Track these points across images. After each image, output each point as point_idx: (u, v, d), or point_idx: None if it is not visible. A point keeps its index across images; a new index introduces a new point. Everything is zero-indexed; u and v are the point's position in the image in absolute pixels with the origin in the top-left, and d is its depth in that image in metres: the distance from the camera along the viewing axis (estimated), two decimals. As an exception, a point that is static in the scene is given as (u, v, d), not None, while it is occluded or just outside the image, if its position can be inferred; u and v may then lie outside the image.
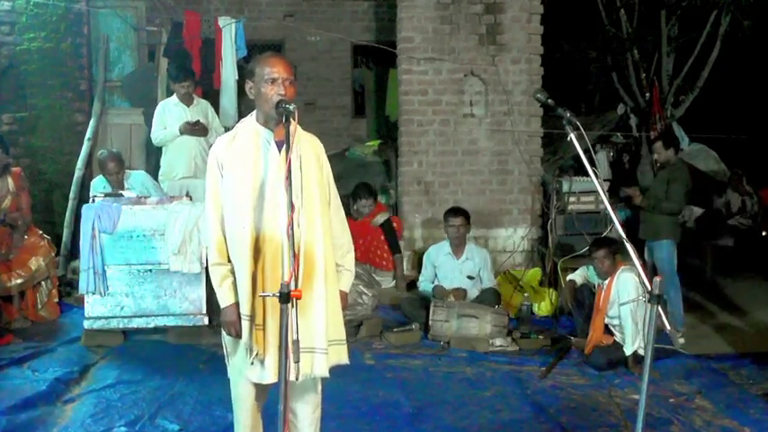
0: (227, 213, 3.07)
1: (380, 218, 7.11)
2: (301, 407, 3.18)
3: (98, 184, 6.41)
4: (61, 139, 7.91)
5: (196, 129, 6.98)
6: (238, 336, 3.06)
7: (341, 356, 3.15)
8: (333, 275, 3.14)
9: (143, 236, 5.57)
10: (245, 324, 3.04)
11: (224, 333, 3.14)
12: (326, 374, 3.08)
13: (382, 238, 7.13)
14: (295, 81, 3.10)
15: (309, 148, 3.14)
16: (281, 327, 2.66)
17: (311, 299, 3.00)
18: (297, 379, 2.92)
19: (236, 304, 3.06)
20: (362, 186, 7.23)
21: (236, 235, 3.03)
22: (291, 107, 2.92)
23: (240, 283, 3.05)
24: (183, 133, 6.90)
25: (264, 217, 3.01)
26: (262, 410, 3.29)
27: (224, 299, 3.10)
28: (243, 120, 3.23)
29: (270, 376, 3.01)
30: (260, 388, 3.15)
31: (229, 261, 3.09)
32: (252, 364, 3.03)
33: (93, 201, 5.76)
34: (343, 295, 3.26)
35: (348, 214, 6.80)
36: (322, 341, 3.02)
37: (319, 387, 3.22)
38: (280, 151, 3.05)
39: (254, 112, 3.17)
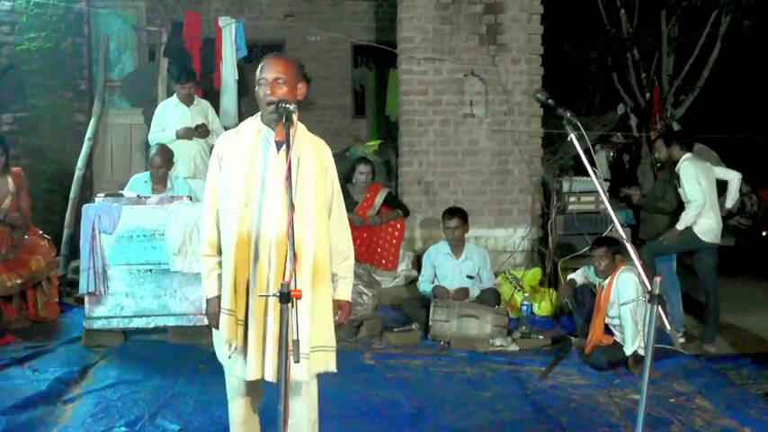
0: (221, 207, 3.11)
1: (380, 198, 7.21)
2: (297, 408, 3.16)
3: (139, 179, 6.38)
4: (61, 139, 7.92)
5: (197, 132, 6.98)
6: (217, 328, 3.14)
7: (328, 364, 3.12)
8: (323, 281, 3.09)
9: (143, 236, 5.57)
10: (224, 318, 3.08)
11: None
12: (305, 379, 3.06)
13: (384, 236, 7.16)
14: (290, 80, 3.06)
15: (312, 150, 3.13)
16: (280, 327, 2.66)
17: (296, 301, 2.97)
18: (274, 380, 2.95)
19: (219, 297, 3.12)
20: (359, 158, 7.60)
21: (226, 229, 3.09)
22: (292, 107, 2.92)
23: (224, 278, 3.10)
24: (181, 137, 6.89)
25: (255, 214, 3.03)
26: (257, 408, 3.29)
27: (208, 290, 3.17)
28: (249, 118, 3.25)
29: (251, 373, 3.03)
30: (250, 384, 3.16)
31: (219, 254, 3.13)
32: (229, 357, 3.09)
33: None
34: (344, 304, 3.22)
35: (347, 196, 6.93)
36: (303, 346, 2.95)
37: (314, 390, 3.19)
38: (278, 151, 3.05)
39: (260, 112, 3.18)
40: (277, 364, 2.97)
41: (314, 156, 3.12)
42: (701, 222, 5.96)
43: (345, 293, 3.23)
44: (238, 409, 3.25)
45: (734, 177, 6.28)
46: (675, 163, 6.16)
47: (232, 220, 3.05)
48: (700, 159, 6.25)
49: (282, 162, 2.94)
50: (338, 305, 3.21)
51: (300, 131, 3.10)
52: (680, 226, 5.96)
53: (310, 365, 3.04)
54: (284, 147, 2.96)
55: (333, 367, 3.14)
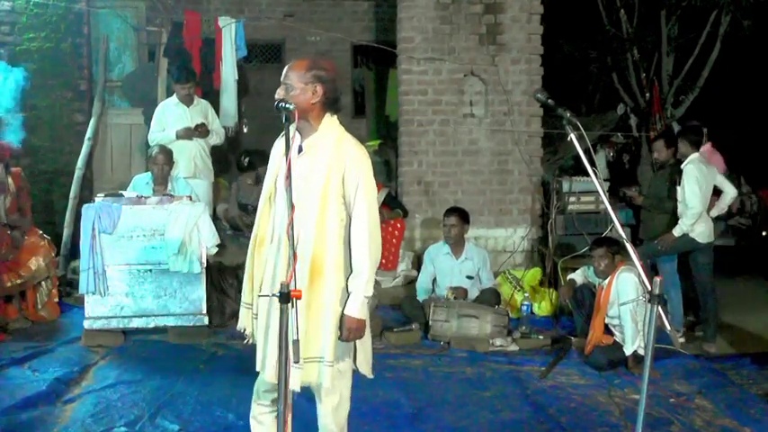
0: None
1: (380, 197, 7.22)
2: (321, 410, 3.21)
3: (140, 179, 6.37)
4: (61, 138, 7.92)
5: (197, 132, 6.98)
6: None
7: (315, 376, 3.01)
8: (323, 285, 3.02)
9: (143, 236, 5.57)
10: (242, 309, 3.23)
11: None
12: (294, 389, 2.98)
13: (384, 235, 7.15)
14: (293, 84, 3.04)
15: (336, 154, 3.04)
16: (280, 327, 2.67)
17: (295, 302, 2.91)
18: (272, 380, 3.04)
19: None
20: None
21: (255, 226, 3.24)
22: (291, 107, 2.92)
23: (245, 272, 3.22)
24: (181, 138, 6.88)
25: (270, 214, 3.14)
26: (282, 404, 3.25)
27: None
28: None
29: (258, 366, 3.12)
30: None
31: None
32: (246, 343, 3.25)
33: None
34: (346, 319, 3.01)
35: None
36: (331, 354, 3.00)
37: (341, 392, 3.16)
38: (298, 153, 3.06)
39: None
40: (274, 364, 3.00)
41: (333, 158, 3.03)
42: (695, 227, 5.97)
43: (349, 308, 3.02)
44: (260, 384, 3.27)
45: (730, 192, 6.26)
46: (679, 161, 6.15)
47: (257, 218, 3.18)
48: (706, 162, 6.23)
49: (294, 163, 2.94)
50: (344, 320, 3.02)
51: (326, 133, 3.08)
52: (677, 232, 5.96)
53: (301, 375, 2.97)
54: (303, 149, 3.04)
55: (324, 381, 3.02)
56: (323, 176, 3.02)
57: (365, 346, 3.21)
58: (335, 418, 3.19)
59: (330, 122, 3.12)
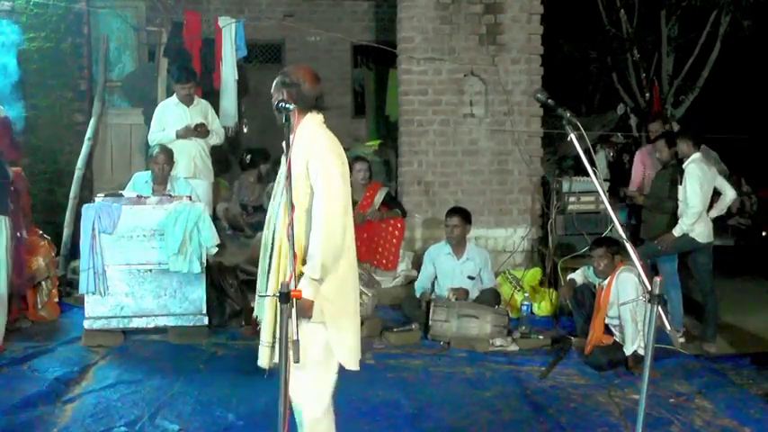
0: None
1: (379, 197, 7.20)
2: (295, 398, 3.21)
3: (140, 177, 6.37)
4: (61, 138, 7.92)
5: (197, 132, 6.97)
6: None
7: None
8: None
9: (143, 236, 5.57)
10: (258, 300, 3.31)
11: None
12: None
13: (384, 235, 7.16)
14: (272, 93, 3.22)
15: (303, 150, 3.12)
16: (280, 326, 2.68)
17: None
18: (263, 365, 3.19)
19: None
20: (354, 157, 7.44)
21: None
22: (291, 107, 2.93)
23: (260, 264, 3.31)
24: (181, 137, 6.88)
25: (273, 214, 3.22)
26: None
27: None
28: None
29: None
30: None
31: None
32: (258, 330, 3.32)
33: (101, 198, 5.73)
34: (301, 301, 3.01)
35: None
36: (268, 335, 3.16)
37: (298, 378, 3.12)
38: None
39: None
40: (267, 355, 3.17)
41: (300, 154, 3.10)
42: (695, 227, 6.00)
43: (301, 288, 3.03)
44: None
45: (730, 195, 6.28)
46: (681, 161, 6.16)
47: (267, 218, 3.28)
48: (707, 162, 6.26)
49: (284, 164, 2.99)
50: None
51: (301, 132, 3.15)
52: (677, 232, 5.97)
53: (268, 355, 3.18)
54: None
55: (260, 360, 3.21)
56: (293, 174, 3.04)
57: (344, 339, 3.17)
58: (306, 413, 3.15)
59: (308, 121, 3.20)
